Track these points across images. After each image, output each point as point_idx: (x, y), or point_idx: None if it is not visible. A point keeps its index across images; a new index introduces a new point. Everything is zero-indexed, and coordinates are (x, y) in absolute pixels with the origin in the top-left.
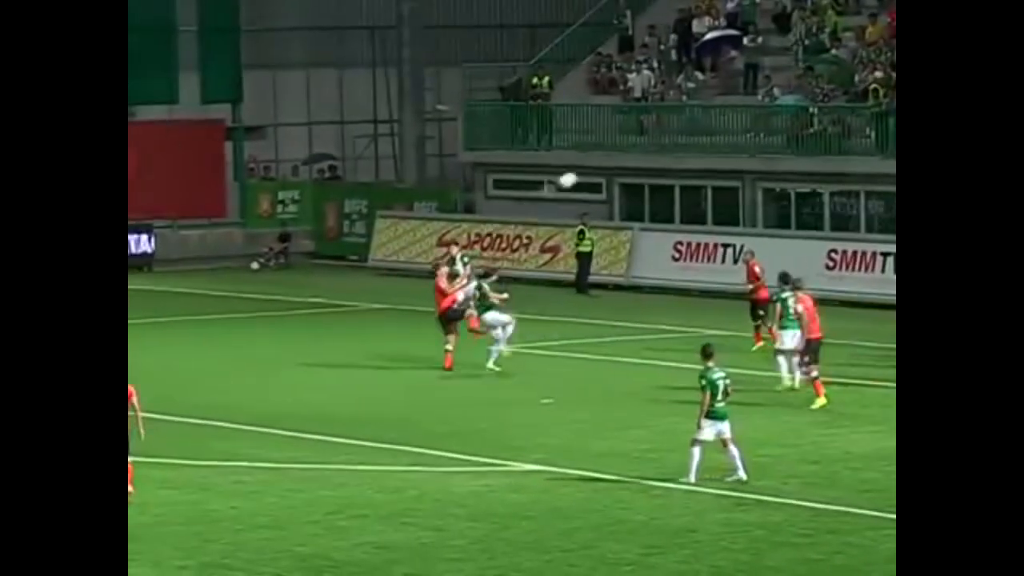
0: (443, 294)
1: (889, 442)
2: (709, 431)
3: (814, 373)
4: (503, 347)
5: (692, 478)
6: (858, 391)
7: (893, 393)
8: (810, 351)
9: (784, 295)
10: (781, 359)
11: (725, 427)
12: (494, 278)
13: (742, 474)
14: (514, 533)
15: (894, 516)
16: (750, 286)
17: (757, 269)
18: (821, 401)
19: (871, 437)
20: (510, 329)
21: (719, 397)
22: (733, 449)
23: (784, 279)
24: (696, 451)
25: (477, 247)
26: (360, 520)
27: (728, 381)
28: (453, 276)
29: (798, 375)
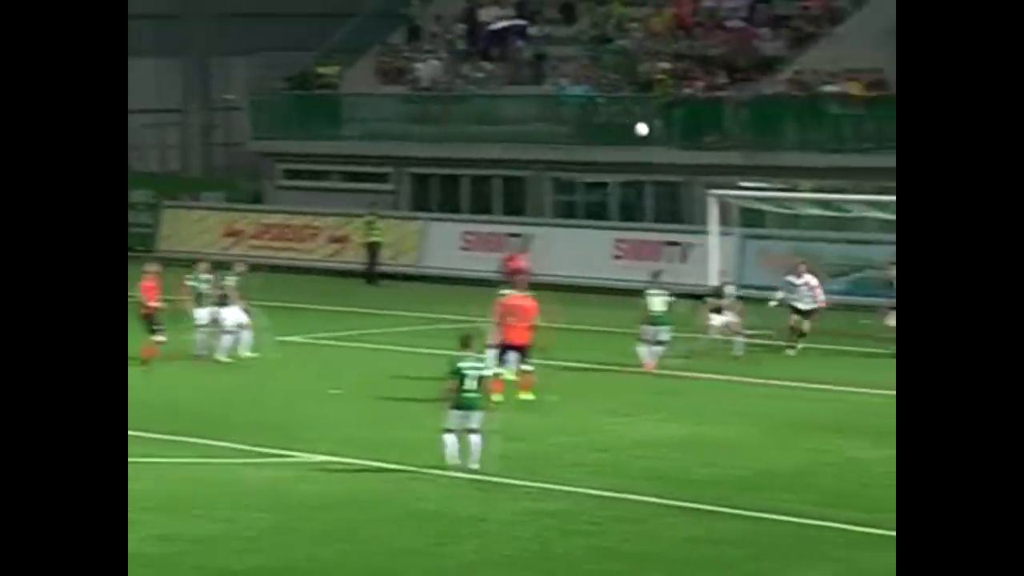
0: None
1: (674, 429)
2: (456, 420)
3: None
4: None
5: (452, 460)
6: (646, 380)
7: (680, 382)
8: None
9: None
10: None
11: (474, 417)
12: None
13: (475, 464)
14: (305, 524)
15: (680, 503)
16: None
17: None
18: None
19: (656, 425)
20: (243, 335)
21: (469, 386)
22: (475, 439)
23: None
24: (448, 439)
25: (266, 237)
26: (148, 513)
27: (485, 371)
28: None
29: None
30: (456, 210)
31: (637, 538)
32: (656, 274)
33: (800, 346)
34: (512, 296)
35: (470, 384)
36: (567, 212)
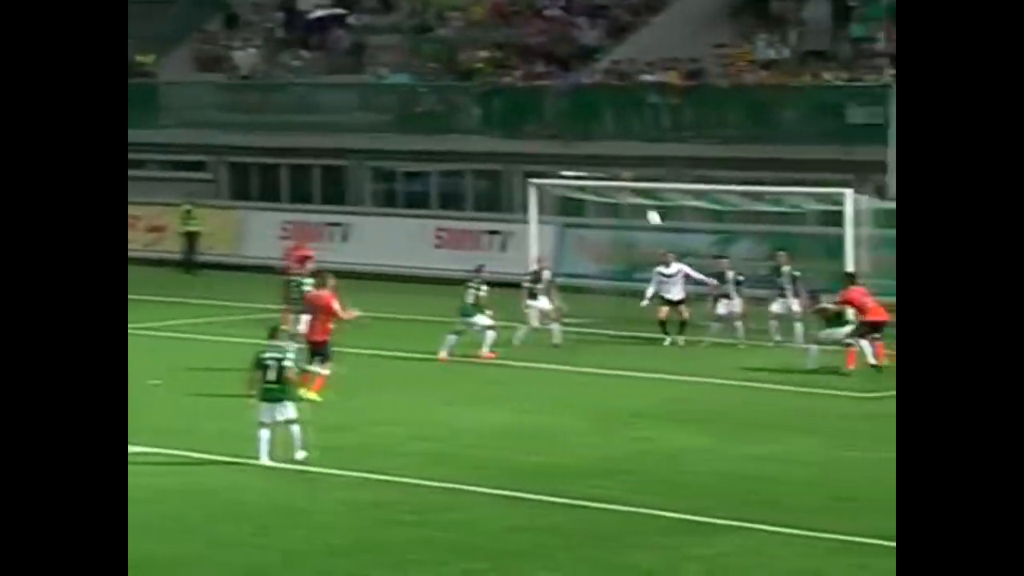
0: None
1: (497, 419)
2: (266, 414)
3: None
4: None
5: (264, 460)
6: (471, 367)
7: (507, 370)
8: None
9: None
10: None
11: (282, 408)
12: None
13: (299, 454)
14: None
15: (503, 492)
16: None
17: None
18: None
19: (480, 414)
20: None
21: (270, 377)
22: (293, 429)
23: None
24: (262, 434)
25: None
26: None
27: (286, 361)
28: None
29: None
30: (275, 199)
31: (460, 527)
32: (479, 268)
33: (671, 338)
34: (313, 292)
35: (271, 375)
36: (387, 201)
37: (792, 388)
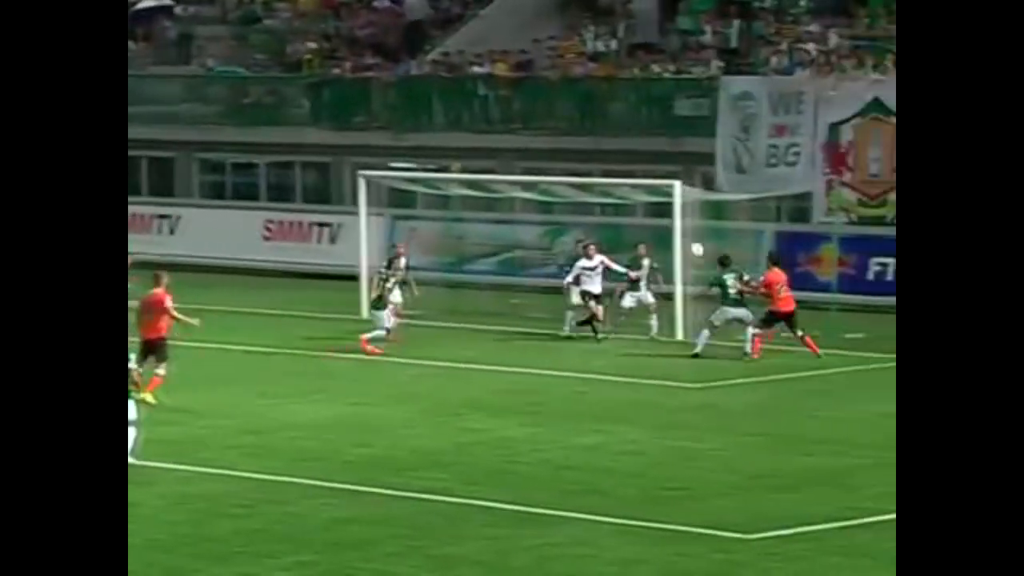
0: None
1: (328, 411)
2: None
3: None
4: None
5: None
6: (301, 361)
7: (341, 363)
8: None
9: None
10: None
11: None
12: None
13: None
14: None
15: (332, 484)
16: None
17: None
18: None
19: (310, 407)
20: None
21: None
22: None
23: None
24: None
25: None
26: None
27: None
28: None
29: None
30: None
31: (288, 519)
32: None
33: (602, 333)
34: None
35: None
36: (215, 193)
37: (623, 379)
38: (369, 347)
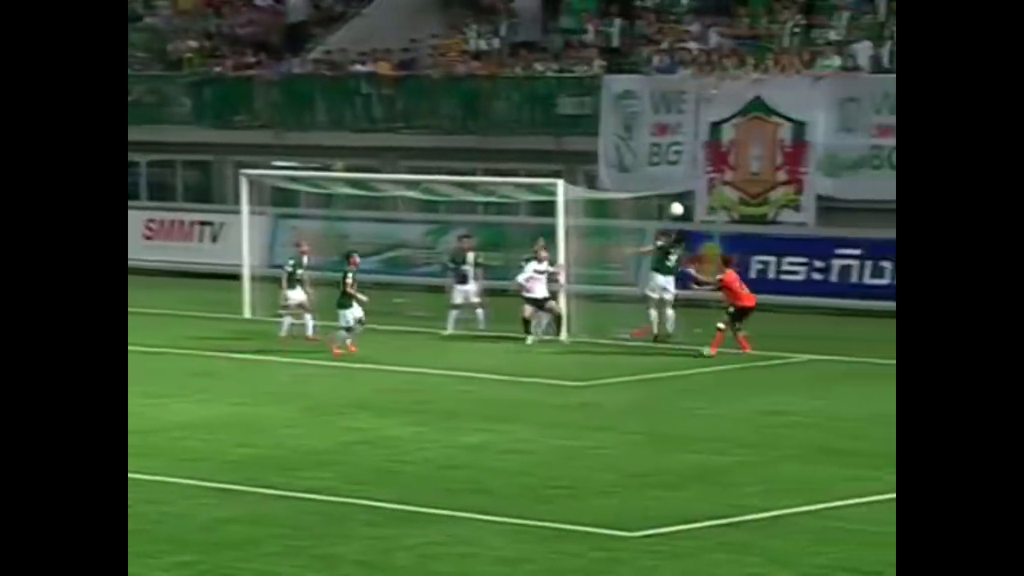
0: None
1: (211, 411)
2: None
3: None
4: None
5: None
6: (184, 361)
7: (223, 363)
8: None
9: None
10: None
11: None
12: None
13: None
14: None
15: (214, 484)
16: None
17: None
18: None
19: (193, 407)
20: None
21: None
22: None
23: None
24: None
25: None
26: None
27: None
28: None
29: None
30: None
31: (169, 520)
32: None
33: (532, 337)
34: None
35: None
36: None
37: (508, 378)
38: (336, 349)
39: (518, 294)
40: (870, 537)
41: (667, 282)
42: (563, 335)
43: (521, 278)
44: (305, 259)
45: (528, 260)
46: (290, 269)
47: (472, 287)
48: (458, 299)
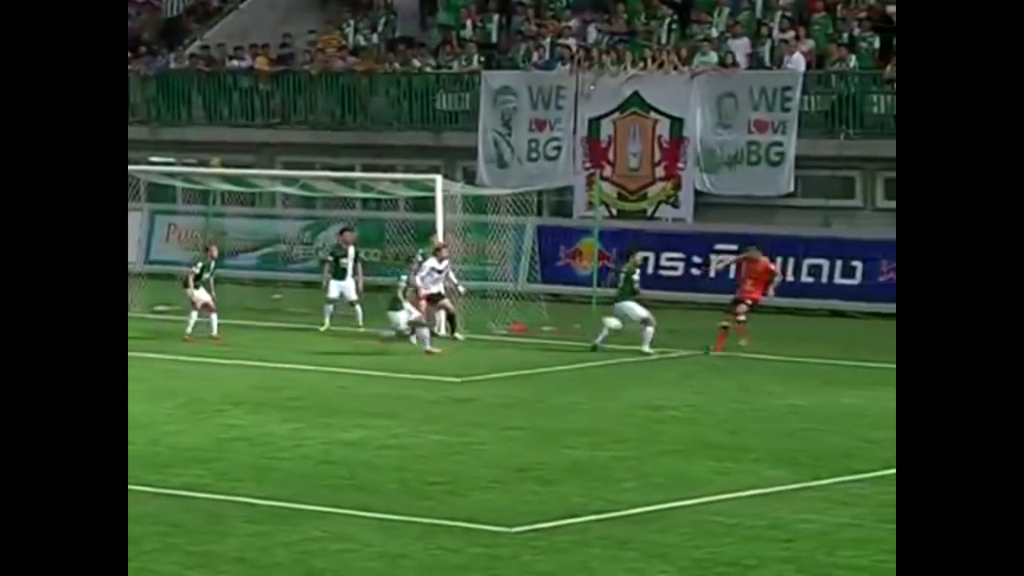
0: None
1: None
2: None
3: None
4: None
5: None
6: None
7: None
8: None
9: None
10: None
11: None
12: None
13: None
14: None
15: None
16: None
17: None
18: None
19: None
20: None
21: None
22: None
23: None
24: None
25: None
26: None
27: None
28: None
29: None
30: None
31: None
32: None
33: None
34: None
35: None
36: None
37: (385, 374)
38: (429, 350)
39: (404, 293)
40: (747, 531)
41: (644, 314)
42: (459, 334)
43: (420, 277)
44: (212, 263)
45: (424, 257)
46: (197, 271)
47: (350, 283)
48: (334, 293)
